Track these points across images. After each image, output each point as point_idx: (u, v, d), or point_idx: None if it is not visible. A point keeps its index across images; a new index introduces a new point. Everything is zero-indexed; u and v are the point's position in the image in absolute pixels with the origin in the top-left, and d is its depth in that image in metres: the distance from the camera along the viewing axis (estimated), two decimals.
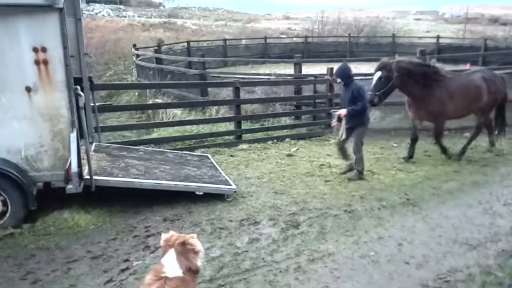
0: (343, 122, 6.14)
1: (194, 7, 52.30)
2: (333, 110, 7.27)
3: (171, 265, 2.25)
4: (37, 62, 4.25)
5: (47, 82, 4.31)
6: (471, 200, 5.36)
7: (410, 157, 7.16)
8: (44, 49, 4.23)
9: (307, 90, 10.64)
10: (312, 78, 10.51)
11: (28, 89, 4.29)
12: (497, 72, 7.99)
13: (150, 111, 10.31)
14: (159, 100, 11.44)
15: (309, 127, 9.47)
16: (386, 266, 3.84)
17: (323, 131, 9.19)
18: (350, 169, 6.31)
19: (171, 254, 2.27)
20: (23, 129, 4.36)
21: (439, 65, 7.26)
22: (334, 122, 6.42)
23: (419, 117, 7.07)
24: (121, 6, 42.59)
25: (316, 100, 10.04)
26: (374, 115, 9.94)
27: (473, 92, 7.07)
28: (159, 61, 15.46)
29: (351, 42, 26.87)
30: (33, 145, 4.44)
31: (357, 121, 6.11)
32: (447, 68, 7.60)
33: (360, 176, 6.20)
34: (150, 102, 11.24)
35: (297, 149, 7.97)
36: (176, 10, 46.19)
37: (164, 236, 2.40)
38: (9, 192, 4.31)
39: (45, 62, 4.26)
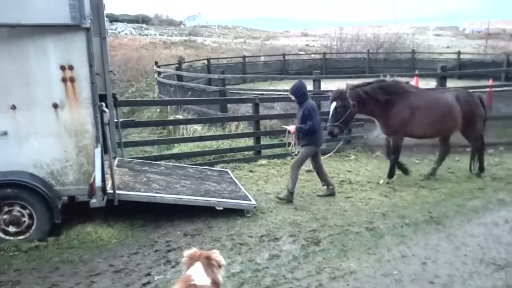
0: (294, 138, 6.08)
1: (214, 25, 53.34)
2: (283, 126, 7.02)
3: (199, 275, 2.33)
4: (64, 80, 4.39)
5: (74, 99, 4.45)
6: (497, 219, 5.21)
7: (405, 171, 7.01)
8: (71, 67, 4.38)
9: (326, 106, 10.61)
10: (331, 94, 10.48)
11: (55, 106, 4.43)
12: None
13: (171, 127, 10.47)
14: (179, 116, 11.60)
15: (329, 143, 9.42)
16: (410, 285, 3.75)
17: (343, 146, 9.12)
18: (330, 193, 6.14)
19: (198, 266, 2.38)
20: (50, 144, 4.50)
21: (401, 79, 6.91)
22: (289, 139, 6.28)
23: (384, 132, 6.92)
24: (143, 25, 43.79)
25: None
26: None
27: (443, 111, 6.70)
28: (180, 78, 15.74)
29: (370, 58, 26.82)
30: (59, 160, 4.56)
31: (308, 140, 5.98)
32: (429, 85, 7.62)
33: (289, 197, 5.88)
34: (171, 118, 11.41)
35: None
36: (196, 28, 47.17)
37: (187, 252, 2.49)
38: (35, 205, 4.42)
39: (72, 80, 4.40)
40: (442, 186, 6.57)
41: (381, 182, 6.80)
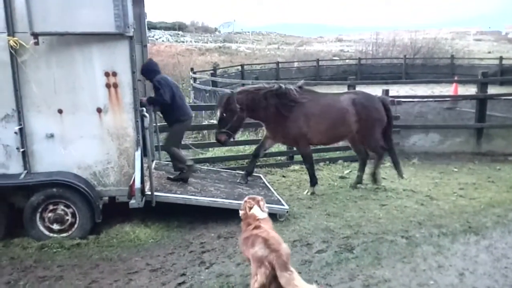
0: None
1: (248, 32, 53.88)
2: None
3: (259, 213, 3.54)
4: (108, 86, 4.61)
5: (116, 104, 4.65)
6: None
7: (247, 174, 6.51)
8: (114, 74, 4.59)
9: None
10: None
11: (99, 110, 4.65)
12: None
13: (205, 131, 10.65)
14: (214, 121, 11.79)
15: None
16: None
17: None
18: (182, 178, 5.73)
19: (256, 208, 3.56)
20: (93, 147, 4.71)
21: (294, 86, 6.36)
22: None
23: (274, 137, 6.51)
24: (180, 32, 44.85)
25: None
26: (433, 138, 9.62)
27: (335, 115, 6.35)
28: (214, 84, 16.00)
29: (407, 63, 26.28)
30: (101, 162, 4.77)
31: (172, 117, 5.72)
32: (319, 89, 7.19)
33: (184, 175, 5.65)
34: (206, 123, 11.62)
35: (350, 172, 7.86)
36: (231, 35, 47.81)
37: (248, 200, 3.65)
38: (78, 205, 4.64)
39: (115, 86, 4.61)
40: (482, 196, 6.34)
41: (305, 192, 6.51)
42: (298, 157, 8.51)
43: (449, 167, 8.14)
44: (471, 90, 13.96)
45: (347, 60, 30.90)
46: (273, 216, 5.31)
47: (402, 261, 4.28)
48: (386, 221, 5.38)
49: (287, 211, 5.44)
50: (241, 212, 3.64)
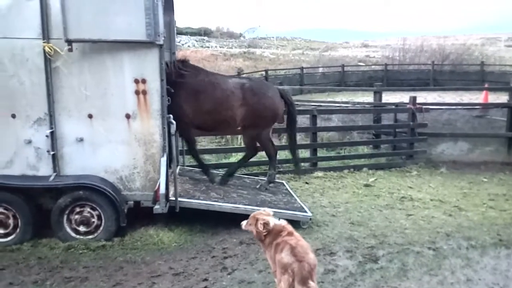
0: None
1: (273, 37, 54.01)
2: None
3: (279, 221, 3.44)
4: (137, 92, 4.68)
5: (145, 111, 4.73)
6: None
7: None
8: (144, 81, 4.66)
9: (386, 119, 10.36)
10: (393, 106, 10.20)
11: (128, 116, 4.73)
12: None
13: (228, 136, 10.69)
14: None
15: (389, 157, 9.14)
16: None
17: (404, 161, 8.82)
18: None
19: (272, 219, 3.44)
20: (120, 151, 4.79)
21: (176, 60, 5.79)
22: None
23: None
24: (205, 38, 45.40)
25: (397, 130, 9.70)
26: (462, 147, 9.37)
27: (219, 97, 5.60)
28: None
29: (435, 70, 25.73)
30: (128, 167, 4.84)
31: None
32: None
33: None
34: None
35: (375, 180, 7.72)
36: (255, 40, 48.04)
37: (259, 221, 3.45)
38: (104, 208, 4.72)
39: (144, 93, 4.68)
40: None
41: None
42: (321, 164, 8.45)
43: (479, 177, 7.89)
44: (502, 97, 13.51)
45: (373, 66, 30.53)
46: (296, 223, 5.28)
47: (429, 273, 4.16)
48: (413, 232, 5.25)
49: (310, 219, 5.38)
50: (252, 228, 3.48)
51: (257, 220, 3.42)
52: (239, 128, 6.19)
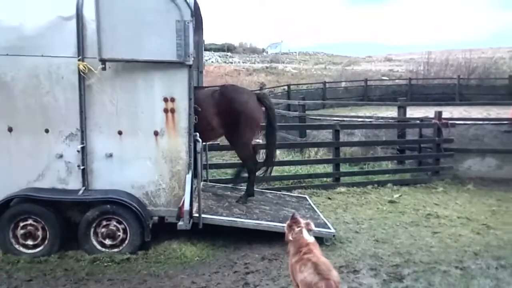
0: None
1: (295, 52, 54.30)
2: None
3: (308, 236, 3.48)
4: (165, 111, 4.82)
5: (172, 128, 4.85)
6: None
7: None
8: (172, 99, 4.80)
9: (411, 134, 10.21)
10: (418, 121, 10.06)
11: (156, 133, 4.86)
12: None
13: None
14: (259, 141, 11.89)
15: (414, 173, 8.99)
16: None
17: (430, 177, 8.65)
18: None
19: (304, 231, 3.50)
20: (147, 168, 4.91)
21: None
22: None
23: None
24: (228, 53, 46.08)
25: (422, 145, 9.55)
26: (490, 163, 9.12)
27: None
28: None
29: (461, 84, 25.22)
30: (154, 183, 4.95)
31: None
32: None
33: None
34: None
35: (400, 196, 7.60)
36: (278, 55, 48.40)
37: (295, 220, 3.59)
38: (130, 222, 4.82)
39: (172, 111, 4.82)
40: None
41: None
42: (344, 179, 8.39)
43: (508, 194, 7.66)
44: None
45: (396, 80, 30.21)
46: (319, 239, 5.23)
47: None
48: (439, 250, 5.13)
49: (334, 235, 5.34)
50: (287, 233, 3.59)
51: (293, 223, 3.58)
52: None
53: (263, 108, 5.93)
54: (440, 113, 8.95)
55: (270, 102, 6.07)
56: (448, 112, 13.47)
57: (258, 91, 6.00)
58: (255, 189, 7.24)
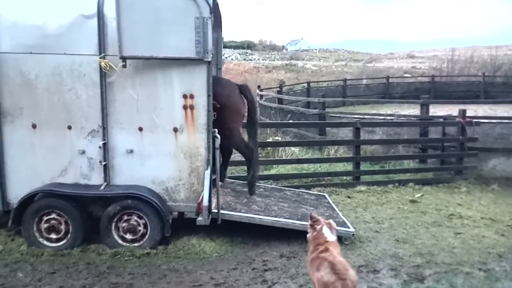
0: None
1: (315, 49, 53.92)
2: None
3: (329, 235, 3.45)
4: (185, 107, 4.86)
5: (191, 125, 4.89)
6: None
7: None
8: (192, 96, 4.84)
9: (434, 133, 10.00)
10: (441, 119, 9.84)
11: (175, 130, 4.91)
12: None
13: (269, 148, 10.74)
14: (278, 138, 11.86)
15: (436, 172, 8.80)
16: None
17: (453, 177, 8.45)
18: None
19: (325, 229, 3.48)
20: (167, 164, 4.96)
21: None
22: None
23: None
24: (248, 51, 46.12)
25: (445, 144, 9.34)
26: None
27: None
28: (280, 101, 16.15)
29: (486, 81, 24.54)
30: (173, 179, 5.00)
31: None
32: None
33: None
34: (270, 139, 11.73)
35: (421, 195, 7.45)
36: (297, 52, 48.19)
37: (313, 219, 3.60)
38: (150, 217, 4.88)
39: (191, 107, 4.86)
40: None
41: None
42: (364, 178, 8.28)
43: None
44: None
45: (419, 78, 29.62)
46: (338, 238, 5.19)
47: None
48: (462, 251, 5.01)
49: (353, 234, 5.28)
50: (309, 231, 3.59)
51: (314, 221, 3.61)
52: None
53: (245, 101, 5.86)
54: (464, 111, 8.74)
55: (251, 95, 6.02)
56: (473, 110, 13.11)
57: (240, 83, 5.85)
58: (274, 186, 7.27)
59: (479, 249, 5.07)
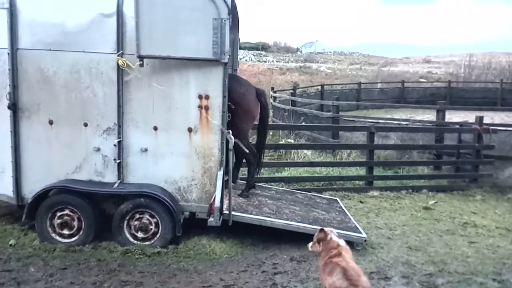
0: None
1: (330, 52, 53.67)
2: None
3: (338, 239, 3.50)
4: (200, 107, 4.88)
5: (206, 125, 4.90)
6: None
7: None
8: (207, 97, 4.85)
9: (449, 139, 9.85)
10: (457, 126, 9.68)
11: (190, 130, 4.92)
12: None
13: (282, 150, 10.71)
14: (291, 140, 11.83)
15: (451, 180, 8.66)
16: None
17: (468, 185, 8.31)
18: None
19: (333, 235, 3.52)
20: (180, 163, 4.98)
21: None
22: None
23: None
24: (263, 52, 46.14)
25: (460, 151, 9.19)
26: None
27: None
28: (293, 103, 16.10)
29: (503, 88, 24.09)
30: (186, 178, 5.02)
31: None
32: None
33: None
34: (283, 142, 11.70)
35: (435, 202, 7.34)
36: (312, 55, 48.02)
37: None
38: (162, 216, 4.89)
39: (206, 108, 4.87)
40: None
41: None
42: (377, 183, 8.20)
43: None
44: None
45: (435, 83, 29.23)
46: (349, 244, 5.13)
47: None
48: (476, 261, 4.92)
49: (365, 240, 5.22)
50: (316, 236, 3.59)
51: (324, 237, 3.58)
52: None
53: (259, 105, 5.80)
54: (481, 118, 8.59)
55: (266, 101, 5.99)
56: (489, 117, 12.90)
57: (258, 87, 5.82)
58: (286, 189, 7.23)
59: (493, 259, 4.97)
